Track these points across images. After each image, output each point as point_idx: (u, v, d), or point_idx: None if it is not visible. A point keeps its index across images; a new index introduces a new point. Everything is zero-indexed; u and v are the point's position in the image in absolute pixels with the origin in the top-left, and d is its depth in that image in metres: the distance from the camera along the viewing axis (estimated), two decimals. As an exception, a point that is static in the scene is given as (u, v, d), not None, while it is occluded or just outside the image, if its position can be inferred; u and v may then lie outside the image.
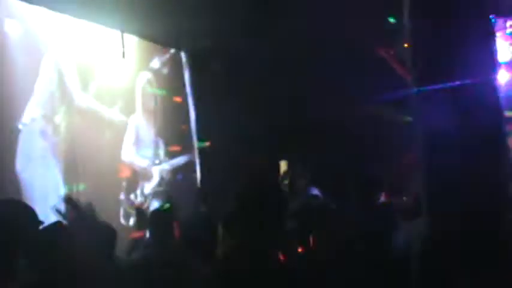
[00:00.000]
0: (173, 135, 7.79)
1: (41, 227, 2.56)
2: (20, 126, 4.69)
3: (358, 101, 6.40)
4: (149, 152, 7.24)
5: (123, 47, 6.61)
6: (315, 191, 5.19)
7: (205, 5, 5.49)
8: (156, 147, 7.43)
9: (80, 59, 5.90)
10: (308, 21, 5.87)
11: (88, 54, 6.08)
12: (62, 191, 5.13)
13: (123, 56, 6.60)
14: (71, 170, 5.39)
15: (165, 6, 5.50)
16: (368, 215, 3.28)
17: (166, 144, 7.59)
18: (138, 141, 6.95)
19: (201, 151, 8.26)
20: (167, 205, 4.76)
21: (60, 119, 5.21)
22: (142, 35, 6.74)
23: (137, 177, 6.97)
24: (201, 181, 8.10)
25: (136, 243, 4.22)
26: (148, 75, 7.36)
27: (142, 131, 7.10)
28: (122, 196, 6.61)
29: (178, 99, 7.99)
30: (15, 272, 2.30)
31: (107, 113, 6.32)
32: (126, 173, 6.67)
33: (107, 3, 5.32)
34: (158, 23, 6.04)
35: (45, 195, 4.68)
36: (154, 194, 7.12)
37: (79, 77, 5.84)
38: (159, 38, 6.84)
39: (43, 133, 4.89)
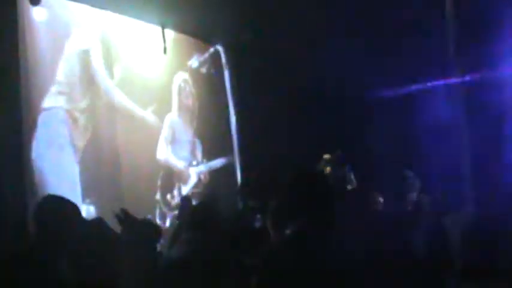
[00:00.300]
0: (211, 136, 7.58)
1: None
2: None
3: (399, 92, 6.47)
4: (186, 153, 7.06)
5: (164, 42, 6.46)
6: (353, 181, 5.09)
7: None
8: (193, 147, 7.25)
9: (115, 53, 5.78)
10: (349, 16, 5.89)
11: (124, 49, 5.99)
12: (78, 183, 4.96)
13: (165, 52, 6.46)
14: (92, 165, 5.20)
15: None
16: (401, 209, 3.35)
17: (204, 145, 7.41)
18: (174, 141, 6.79)
19: (242, 151, 8.05)
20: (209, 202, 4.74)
21: (82, 109, 5.06)
22: (182, 30, 6.59)
23: (173, 177, 6.79)
24: (242, 182, 7.85)
25: (177, 237, 4.09)
26: (186, 74, 7.19)
27: (179, 131, 6.94)
28: (158, 196, 6.45)
29: (217, 99, 7.78)
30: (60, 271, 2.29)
31: (138, 110, 6.16)
32: (161, 173, 6.51)
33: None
34: (198, 17, 5.97)
35: (59, 184, 4.52)
36: (192, 196, 6.92)
37: (112, 71, 5.69)
38: (199, 32, 6.73)
39: (63, 122, 4.75)
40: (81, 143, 5.06)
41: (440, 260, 2.50)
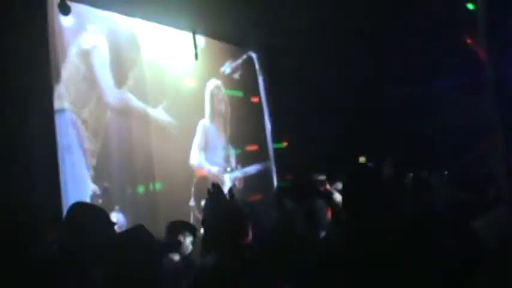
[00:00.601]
0: (246, 142, 7.53)
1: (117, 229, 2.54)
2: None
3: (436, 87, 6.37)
4: (219, 159, 7.04)
5: (196, 48, 6.46)
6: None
7: (280, 2, 5.42)
8: (227, 154, 7.22)
9: (143, 60, 5.79)
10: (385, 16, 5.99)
11: (154, 56, 6.02)
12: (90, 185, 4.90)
13: (196, 58, 6.43)
14: (104, 168, 5.08)
15: (238, 4, 5.41)
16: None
17: (238, 151, 7.37)
18: (207, 147, 6.77)
19: (278, 156, 7.98)
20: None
21: (88, 112, 4.92)
22: (214, 35, 6.59)
23: (207, 183, 6.76)
24: (277, 187, 7.76)
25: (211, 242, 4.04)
26: (219, 80, 7.18)
27: (212, 137, 6.92)
28: (192, 203, 6.42)
29: (251, 105, 7.72)
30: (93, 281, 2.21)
31: (168, 117, 6.12)
32: (195, 179, 6.49)
33: (177, 5, 5.22)
34: (231, 23, 5.94)
35: (66, 185, 4.41)
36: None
37: (139, 78, 5.69)
38: (232, 37, 6.72)
39: (72, 123, 4.64)
40: (91, 147, 4.97)
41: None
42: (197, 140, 6.58)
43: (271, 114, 7.98)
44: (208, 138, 6.81)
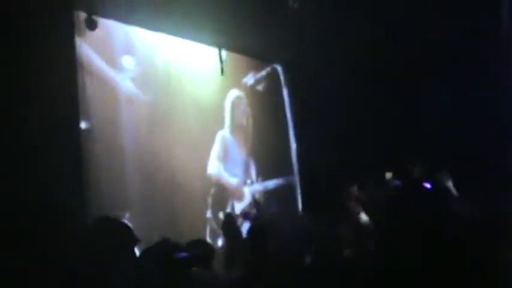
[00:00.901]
0: (268, 155, 7.38)
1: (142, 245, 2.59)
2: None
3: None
4: (239, 171, 6.93)
5: (222, 63, 6.47)
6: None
7: (307, 17, 5.41)
8: (247, 166, 7.11)
9: (162, 71, 5.80)
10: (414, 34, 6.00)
11: (175, 66, 6.02)
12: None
13: (222, 73, 6.45)
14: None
15: (265, 20, 5.39)
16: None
17: (259, 164, 7.25)
18: (226, 158, 6.69)
19: (302, 172, 7.79)
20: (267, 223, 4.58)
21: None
22: (239, 50, 6.57)
23: (225, 195, 6.67)
24: (303, 205, 7.61)
25: (234, 257, 4.10)
26: (240, 91, 7.10)
27: (232, 148, 6.83)
28: (209, 214, 6.33)
29: (274, 117, 7.59)
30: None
31: (187, 125, 6.06)
32: (212, 190, 6.41)
33: (203, 20, 5.21)
34: (257, 38, 5.90)
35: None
36: (246, 216, 6.73)
37: (161, 88, 5.71)
38: (256, 51, 6.66)
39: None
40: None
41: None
42: (216, 150, 6.51)
43: (295, 128, 7.81)
44: (228, 148, 6.73)
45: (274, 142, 7.50)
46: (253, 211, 6.15)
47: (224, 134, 6.69)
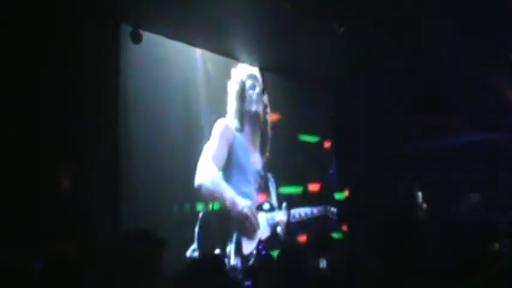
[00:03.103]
0: (296, 172, 5.23)
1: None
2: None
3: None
4: (250, 189, 4.49)
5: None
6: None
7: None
8: (264, 183, 4.69)
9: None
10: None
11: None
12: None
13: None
14: None
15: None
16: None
17: (282, 183, 4.84)
18: (230, 164, 4.26)
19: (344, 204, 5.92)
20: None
21: None
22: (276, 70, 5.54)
23: (227, 223, 4.18)
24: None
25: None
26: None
27: (240, 149, 4.41)
28: (192, 253, 3.87)
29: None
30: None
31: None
32: (201, 211, 3.97)
33: (245, 40, 4.78)
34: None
35: None
36: (260, 260, 4.18)
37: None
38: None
39: None
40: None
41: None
42: (212, 149, 4.09)
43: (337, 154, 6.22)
44: (234, 149, 4.30)
45: (309, 162, 5.53)
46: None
47: (228, 124, 4.30)
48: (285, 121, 5.26)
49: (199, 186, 3.94)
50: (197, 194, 3.91)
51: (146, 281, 2.13)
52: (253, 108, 4.71)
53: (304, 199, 5.32)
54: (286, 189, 5.08)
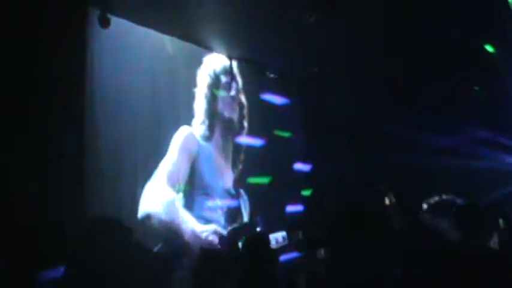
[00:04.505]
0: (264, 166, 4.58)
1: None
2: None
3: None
4: (217, 214, 3.66)
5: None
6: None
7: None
8: (235, 204, 3.84)
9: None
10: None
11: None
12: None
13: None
14: None
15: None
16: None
17: (258, 199, 4.06)
18: (192, 181, 3.42)
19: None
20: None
21: None
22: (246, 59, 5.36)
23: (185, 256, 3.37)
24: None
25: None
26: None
27: (207, 163, 3.56)
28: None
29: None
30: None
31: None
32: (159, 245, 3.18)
33: (215, 28, 4.70)
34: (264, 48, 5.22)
35: None
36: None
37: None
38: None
39: None
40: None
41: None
42: (168, 166, 3.24)
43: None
44: (198, 165, 3.46)
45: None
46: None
47: (192, 132, 3.48)
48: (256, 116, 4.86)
49: (148, 217, 3.08)
50: (145, 227, 3.04)
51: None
52: (227, 111, 3.86)
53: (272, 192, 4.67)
54: (254, 180, 4.44)
